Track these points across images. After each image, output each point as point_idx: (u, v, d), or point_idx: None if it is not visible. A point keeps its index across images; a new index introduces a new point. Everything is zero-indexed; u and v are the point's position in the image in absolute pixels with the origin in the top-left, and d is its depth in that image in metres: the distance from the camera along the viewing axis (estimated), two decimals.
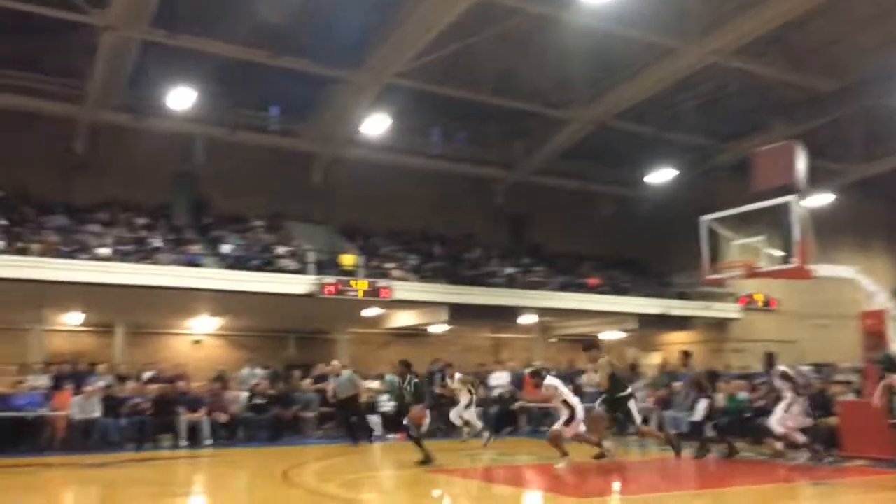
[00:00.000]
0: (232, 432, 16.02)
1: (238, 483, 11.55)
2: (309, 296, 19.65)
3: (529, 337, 25.35)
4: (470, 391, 15.32)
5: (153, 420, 14.97)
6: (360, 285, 20.25)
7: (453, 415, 15.43)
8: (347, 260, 21.24)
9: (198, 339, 22.45)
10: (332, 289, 19.83)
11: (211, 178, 22.64)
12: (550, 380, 11.86)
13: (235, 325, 22.50)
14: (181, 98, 20.01)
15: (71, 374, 16.10)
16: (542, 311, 23.25)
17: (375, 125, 22.10)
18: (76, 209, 20.70)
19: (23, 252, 17.65)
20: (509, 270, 24.30)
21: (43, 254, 17.74)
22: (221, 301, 19.74)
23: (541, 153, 26.05)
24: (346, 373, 16.36)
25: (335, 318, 22.26)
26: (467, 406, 15.19)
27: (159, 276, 18.33)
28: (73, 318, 20.25)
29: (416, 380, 12.49)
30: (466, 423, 15.29)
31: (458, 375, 15.76)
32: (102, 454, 13.56)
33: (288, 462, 12.28)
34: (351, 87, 21.78)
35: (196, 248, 20.48)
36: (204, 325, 22.14)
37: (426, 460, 11.66)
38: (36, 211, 19.92)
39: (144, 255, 19.29)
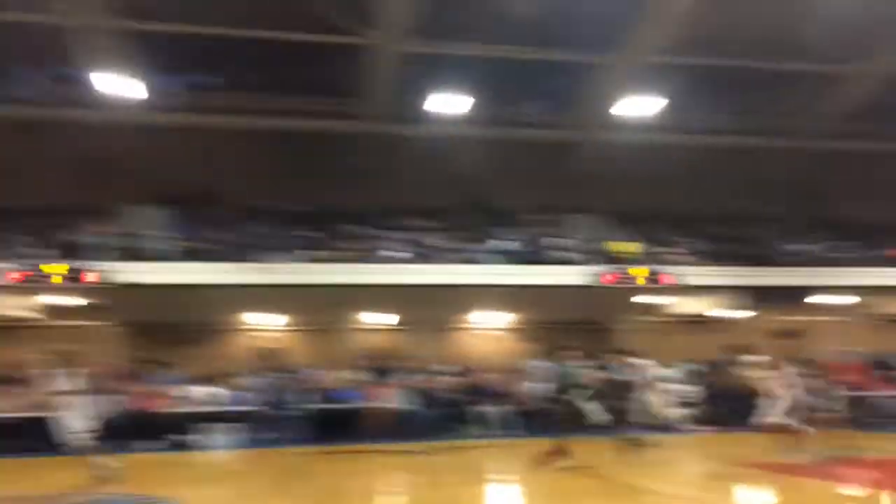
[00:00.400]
0: (531, 422, 16.46)
1: (543, 472, 11.80)
2: (587, 286, 19.71)
3: (838, 319, 23.11)
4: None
5: (460, 411, 15.87)
6: (639, 273, 19.93)
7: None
8: (624, 247, 21.00)
9: (494, 333, 23.35)
10: (610, 278, 19.74)
11: (484, 176, 23.42)
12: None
13: (527, 319, 23.09)
14: (449, 103, 20.98)
15: (385, 369, 17.59)
16: (848, 290, 21.29)
17: (641, 105, 21.58)
18: (367, 217, 22.52)
19: (327, 260, 19.68)
20: (804, 247, 22.48)
21: (343, 261, 19.64)
22: (506, 296, 20.44)
23: (824, 116, 23.80)
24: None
25: (616, 308, 22.05)
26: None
27: (444, 274, 19.46)
28: (381, 318, 22.01)
29: (578, 368, 11.69)
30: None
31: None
32: (417, 442, 14.61)
33: (590, 453, 12.29)
34: (612, 70, 21.48)
35: (476, 247, 21.43)
36: (498, 320, 23.03)
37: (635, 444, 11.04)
38: (335, 222, 21.98)
39: (429, 255, 20.60)
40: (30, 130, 20.40)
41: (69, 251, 18.48)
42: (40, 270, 17.43)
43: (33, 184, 20.22)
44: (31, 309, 19.40)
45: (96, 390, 15.35)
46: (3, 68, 21.07)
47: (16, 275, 17.27)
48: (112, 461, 10.08)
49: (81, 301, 18.93)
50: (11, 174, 20.08)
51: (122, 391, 15.46)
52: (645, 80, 21.00)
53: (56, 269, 17.51)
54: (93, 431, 10.05)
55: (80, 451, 9.97)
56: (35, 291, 18.21)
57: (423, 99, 21.48)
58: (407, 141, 22.59)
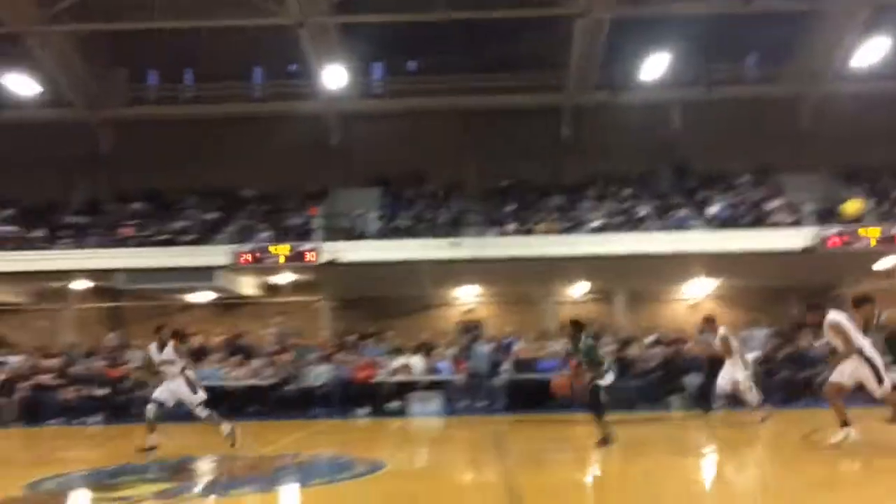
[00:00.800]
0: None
1: (753, 446, 11.15)
2: (808, 250, 18.20)
3: None
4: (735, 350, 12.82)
5: (661, 382, 15.34)
6: (871, 233, 18.07)
7: (721, 381, 12.82)
8: (851, 207, 19.12)
9: (694, 302, 22.35)
10: (836, 240, 18.11)
11: (690, 139, 22.34)
12: (834, 315, 8.94)
13: (732, 286, 21.84)
14: (654, 66, 20.20)
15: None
16: None
17: (870, 52, 19.42)
18: (568, 188, 22.34)
19: (529, 233, 19.78)
20: None
21: (546, 232, 19.63)
22: (713, 263, 19.39)
23: None
24: (722, 329, 15.01)
25: (843, 272, 20.14)
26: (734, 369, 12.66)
27: (649, 243, 18.84)
28: (577, 289, 21.83)
29: (590, 341, 10.66)
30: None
31: (721, 330, 13.01)
32: (616, 413, 14.29)
33: (806, 426, 11.42)
34: (836, 16, 19.52)
35: (682, 213, 20.50)
36: (699, 288, 21.96)
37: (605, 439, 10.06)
38: (536, 195, 22.03)
39: (633, 224, 20.01)
40: (256, 123, 22.42)
41: (291, 233, 20.13)
42: (268, 251, 19.11)
43: (261, 171, 22.21)
44: (256, 287, 21.43)
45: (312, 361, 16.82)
46: (231, 68, 23.39)
47: (248, 256, 19.07)
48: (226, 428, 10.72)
49: (299, 278, 20.57)
50: (242, 164, 22.25)
51: (335, 362, 16.63)
52: (880, 23, 18.93)
53: (281, 250, 19.10)
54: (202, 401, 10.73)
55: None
56: (262, 271, 20.05)
57: (628, 64, 20.92)
58: (611, 108, 22.09)
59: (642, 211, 20.59)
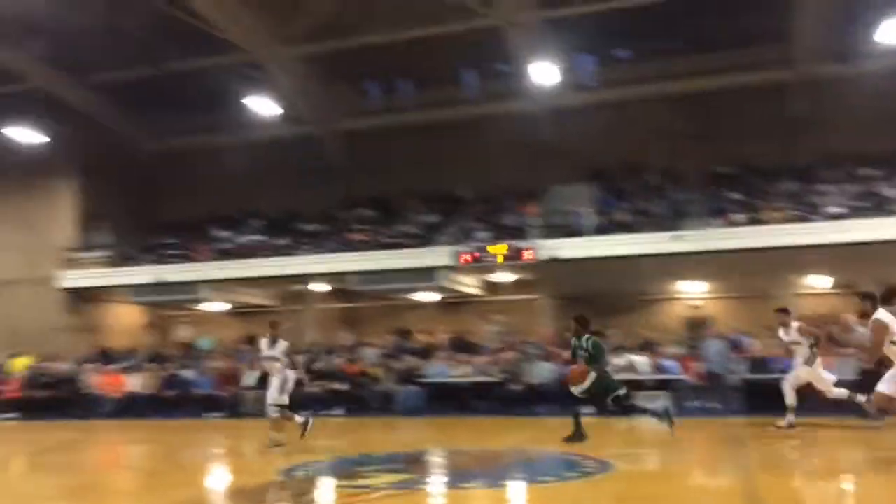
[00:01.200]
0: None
1: None
2: None
3: None
4: (812, 347, 11.63)
5: None
6: None
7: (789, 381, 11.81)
8: None
9: None
10: None
11: None
12: (881, 314, 8.14)
13: None
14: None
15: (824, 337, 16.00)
16: None
17: None
18: (800, 171, 20.70)
19: (758, 221, 18.57)
20: None
21: (777, 221, 18.32)
22: None
23: None
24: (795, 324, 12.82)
25: None
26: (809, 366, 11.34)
27: None
28: (817, 281, 20.15)
29: (594, 339, 10.59)
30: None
31: (795, 324, 11.94)
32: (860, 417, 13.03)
33: None
34: None
35: None
36: None
37: (574, 437, 10.38)
38: (764, 180, 20.62)
39: (881, 207, 18.14)
40: (469, 126, 22.99)
41: (508, 232, 20.42)
42: (486, 251, 19.55)
43: (476, 172, 22.77)
44: (477, 286, 21.96)
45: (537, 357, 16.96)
46: (441, 75, 24.12)
47: (468, 256, 19.63)
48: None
49: (518, 276, 20.80)
50: (458, 166, 22.96)
51: (556, 359, 16.62)
52: None
53: (499, 250, 19.47)
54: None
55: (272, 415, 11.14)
56: (481, 270, 20.53)
57: (865, 29, 18.95)
58: (847, 79, 20.23)
59: (890, 192, 18.60)
